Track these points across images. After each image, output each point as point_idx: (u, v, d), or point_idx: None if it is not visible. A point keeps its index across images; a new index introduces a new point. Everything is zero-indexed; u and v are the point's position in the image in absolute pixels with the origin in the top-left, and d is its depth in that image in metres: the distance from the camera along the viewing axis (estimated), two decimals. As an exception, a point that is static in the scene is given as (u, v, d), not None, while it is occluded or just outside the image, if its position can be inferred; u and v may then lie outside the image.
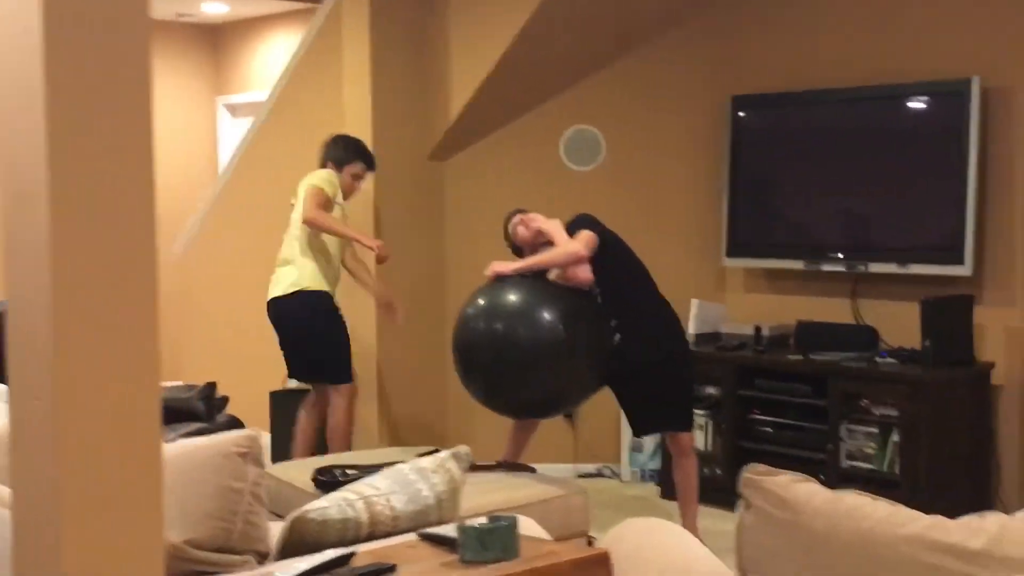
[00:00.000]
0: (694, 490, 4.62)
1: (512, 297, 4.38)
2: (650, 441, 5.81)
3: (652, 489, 5.75)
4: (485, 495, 3.77)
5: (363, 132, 5.88)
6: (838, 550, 1.88)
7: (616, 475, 6.03)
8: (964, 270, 4.97)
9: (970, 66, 5.01)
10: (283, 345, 5.36)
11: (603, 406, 4.90)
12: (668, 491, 5.60)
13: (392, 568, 2.10)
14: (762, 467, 1.99)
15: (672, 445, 4.71)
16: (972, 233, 4.95)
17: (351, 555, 2.17)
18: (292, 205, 5.40)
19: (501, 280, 4.48)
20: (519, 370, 4.31)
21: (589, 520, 4.08)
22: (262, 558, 2.42)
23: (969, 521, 1.96)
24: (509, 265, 4.50)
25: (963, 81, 4.95)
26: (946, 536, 1.90)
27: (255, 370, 6.84)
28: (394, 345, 5.98)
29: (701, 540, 4.08)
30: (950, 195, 5.01)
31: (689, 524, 4.53)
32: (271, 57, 8.71)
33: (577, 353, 4.36)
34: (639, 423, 4.70)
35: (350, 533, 2.40)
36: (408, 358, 6.05)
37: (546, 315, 4.32)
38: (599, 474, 6.08)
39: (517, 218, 4.70)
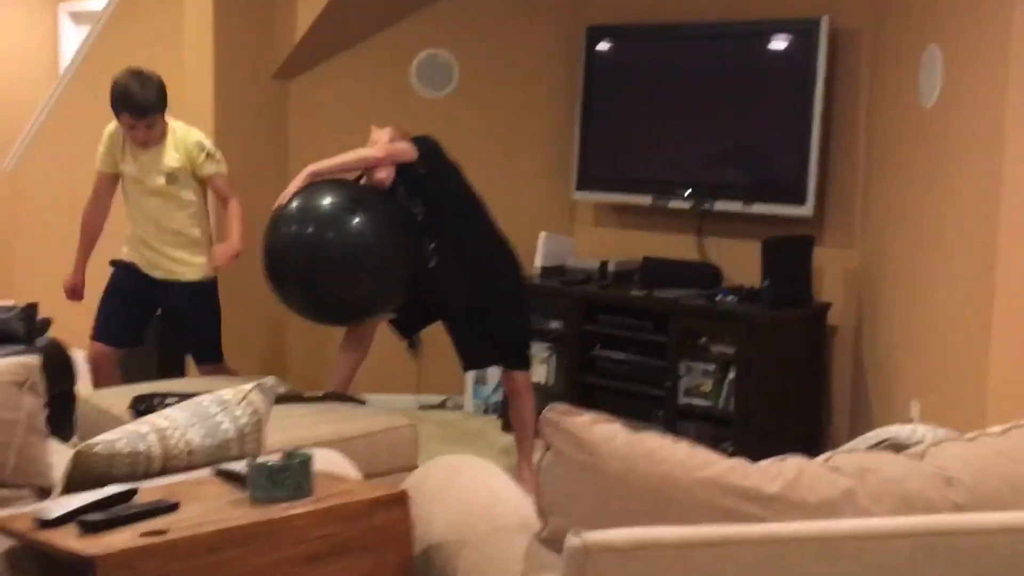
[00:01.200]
0: (529, 428, 4.58)
1: (321, 201, 4.33)
2: (494, 373, 5.76)
3: (495, 422, 5.72)
4: (307, 428, 3.66)
5: (204, 47, 5.63)
6: (634, 492, 1.83)
7: (459, 407, 5.98)
8: (806, 211, 5.00)
9: (820, 6, 5.01)
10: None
11: (446, 337, 4.81)
12: (510, 425, 5.58)
13: (174, 506, 1.98)
14: (563, 407, 1.92)
15: (506, 383, 4.67)
16: (815, 175, 4.98)
17: (133, 491, 2.04)
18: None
19: (313, 186, 4.41)
20: (322, 272, 4.27)
21: (418, 454, 4.00)
22: (44, 493, 2.28)
23: (769, 465, 1.93)
24: (311, 167, 4.43)
25: (812, 20, 4.95)
26: (743, 480, 1.86)
27: (89, 289, 6.57)
28: (232, 274, 5.78)
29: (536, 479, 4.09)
30: (795, 136, 5.03)
31: (524, 462, 4.51)
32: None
33: (381, 260, 4.32)
34: (465, 357, 4.63)
35: (140, 468, 2.27)
36: (248, 285, 5.86)
37: (354, 219, 4.29)
38: (442, 406, 6.03)
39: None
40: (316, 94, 5.94)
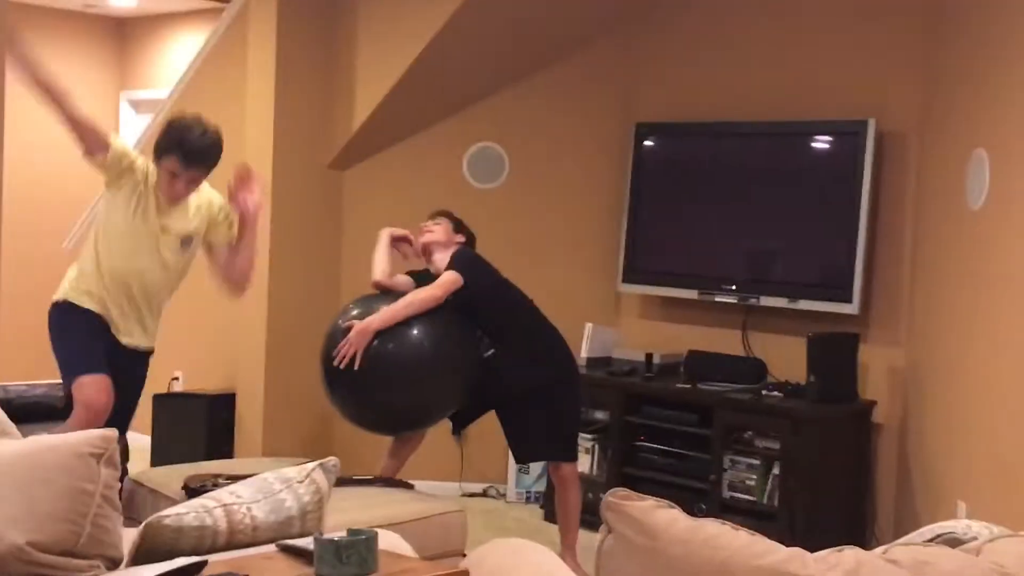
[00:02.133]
0: (575, 519, 4.60)
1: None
2: (536, 464, 5.79)
3: (536, 511, 5.73)
4: (361, 511, 3.71)
5: (264, 136, 5.80)
6: (694, 578, 1.87)
7: (502, 496, 6.00)
8: (852, 308, 5.05)
9: (867, 108, 5.11)
10: None
11: (491, 425, 4.86)
12: (551, 514, 5.58)
13: (244, 579, 2.04)
14: (624, 491, 1.96)
15: (553, 473, 4.69)
16: (861, 272, 5.03)
17: (203, 563, 2.10)
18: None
19: (376, 294, 4.57)
20: (380, 382, 4.32)
21: (466, 540, 4.04)
22: (113, 564, 2.33)
23: (827, 555, 1.96)
24: (370, 323, 4.34)
25: (859, 122, 5.05)
26: (802, 569, 1.89)
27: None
28: (284, 358, 5.88)
29: (580, 567, 4.10)
30: (842, 234, 5.09)
31: (569, 552, 4.52)
32: (177, 54, 8.56)
33: (440, 368, 4.43)
34: (518, 451, 4.70)
35: (207, 541, 2.32)
36: (298, 372, 5.95)
37: (412, 331, 4.37)
38: (484, 494, 6.04)
39: (427, 224, 4.77)
40: (370, 184, 6.08)
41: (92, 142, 4.14)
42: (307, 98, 5.89)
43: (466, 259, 4.59)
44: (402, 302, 4.41)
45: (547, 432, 4.58)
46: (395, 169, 6.08)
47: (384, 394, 4.36)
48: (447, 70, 5.80)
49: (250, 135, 5.89)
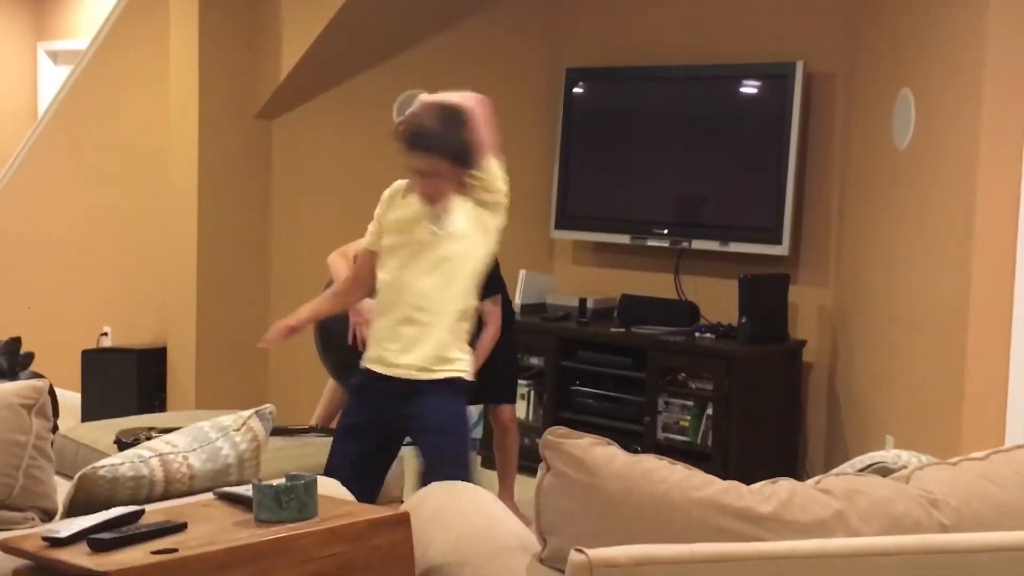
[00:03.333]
0: (513, 462, 4.64)
1: None
2: (474, 410, 5.79)
3: (474, 459, 5.74)
4: (299, 459, 3.69)
5: (189, 86, 5.69)
6: (633, 512, 1.89)
7: (438, 443, 6.00)
8: (782, 250, 5.11)
9: (795, 51, 5.14)
10: None
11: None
12: (489, 461, 5.62)
13: (182, 526, 2.02)
14: (563, 430, 1.98)
15: (492, 417, 4.72)
16: (790, 214, 5.09)
17: (140, 512, 2.08)
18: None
19: None
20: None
21: (404, 487, 4.04)
22: (48, 516, 2.31)
23: (762, 487, 1.99)
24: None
25: (788, 64, 5.08)
26: (738, 500, 1.92)
27: (67, 327, 6.58)
28: (215, 310, 5.82)
29: (518, 510, 4.13)
30: (771, 176, 5.14)
31: (506, 495, 4.56)
32: (96, 2, 8.35)
33: None
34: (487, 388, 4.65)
35: (143, 491, 2.31)
36: (230, 324, 5.89)
37: None
38: (421, 442, 6.05)
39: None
40: (299, 133, 6.00)
41: None
42: (232, 47, 5.78)
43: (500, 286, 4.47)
44: (486, 341, 4.30)
45: (486, 374, 4.58)
46: (324, 118, 6.01)
47: None
48: (375, 17, 5.72)
49: (174, 85, 5.78)
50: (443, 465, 3.15)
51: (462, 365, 3.32)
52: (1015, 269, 3.66)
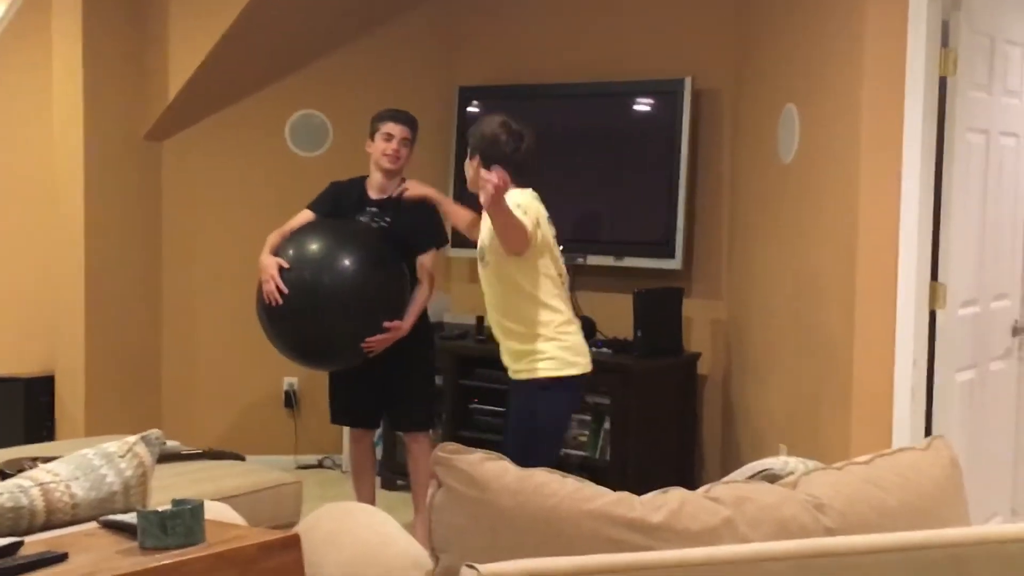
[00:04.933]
0: (425, 489, 4.56)
1: (315, 246, 4.34)
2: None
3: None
4: (190, 486, 3.62)
5: (73, 107, 5.57)
6: (524, 526, 1.89)
7: (338, 466, 5.95)
8: (675, 263, 5.17)
9: (683, 67, 5.22)
10: None
11: (325, 395, 4.82)
12: (389, 482, 5.58)
13: (63, 557, 1.96)
14: (453, 445, 1.97)
15: (412, 443, 4.61)
16: (682, 228, 5.16)
17: (19, 544, 2.02)
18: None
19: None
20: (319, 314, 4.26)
21: (301, 512, 3.99)
22: (-78, 552, 2.22)
23: (653, 497, 2.01)
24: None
25: (676, 81, 5.16)
26: (629, 511, 1.93)
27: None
28: (105, 334, 5.69)
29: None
30: (663, 191, 5.21)
31: (420, 518, 4.49)
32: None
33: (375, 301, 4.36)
34: (402, 413, 4.59)
35: (23, 522, 2.24)
36: (121, 348, 5.77)
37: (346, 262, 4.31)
38: (320, 465, 5.99)
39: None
40: (190, 154, 5.92)
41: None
42: (118, 66, 5.67)
43: None
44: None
45: (425, 394, 4.58)
46: (215, 139, 5.93)
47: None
48: (265, 36, 5.67)
49: (58, 107, 5.65)
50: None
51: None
52: (897, 278, 3.76)
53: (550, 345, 3.69)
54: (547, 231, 3.77)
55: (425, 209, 4.48)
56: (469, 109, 5.79)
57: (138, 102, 5.74)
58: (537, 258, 3.70)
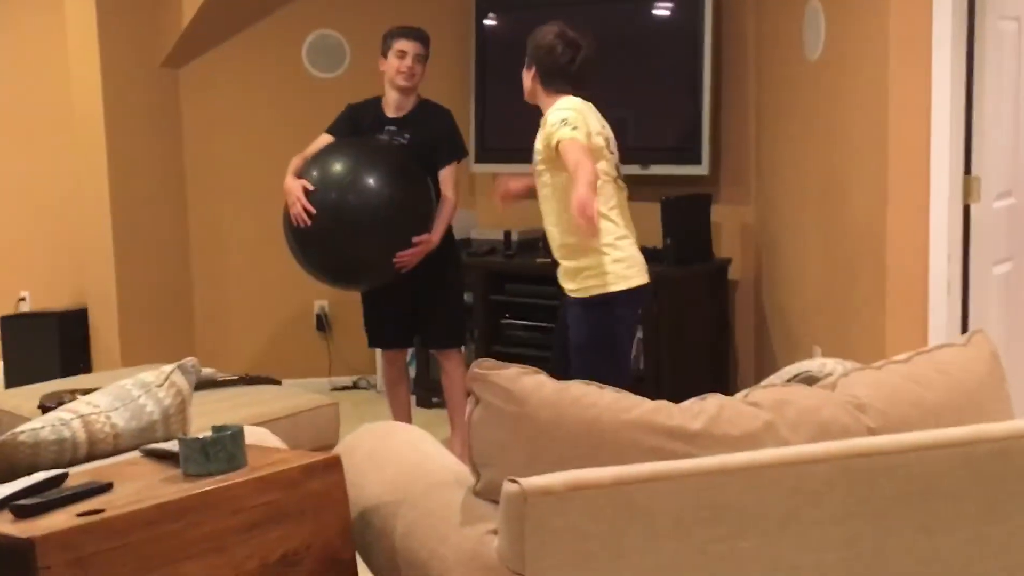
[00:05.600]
0: (460, 408, 4.59)
1: (338, 166, 4.33)
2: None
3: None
4: (228, 412, 3.65)
5: (88, 39, 5.53)
6: (564, 438, 1.89)
7: (372, 386, 5.99)
8: (702, 169, 5.11)
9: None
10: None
11: (356, 316, 4.83)
12: (424, 400, 5.61)
13: (108, 486, 1.98)
14: (490, 361, 1.96)
15: (446, 360, 4.64)
16: (708, 133, 5.09)
17: (64, 476, 2.03)
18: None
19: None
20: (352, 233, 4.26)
21: (339, 434, 4.02)
22: (-31, 487, 2.24)
23: (691, 404, 2.00)
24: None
25: (697, -17, 5.05)
26: (668, 419, 1.93)
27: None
28: (134, 265, 5.71)
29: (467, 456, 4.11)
30: (687, 96, 5.13)
31: (458, 436, 4.53)
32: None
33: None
34: (445, 334, 4.61)
35: (67, 454, 2.26)
36: (150, 277, 5.79)
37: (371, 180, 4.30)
38: (355, 386, 6.03)
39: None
40: (207, 80, 5.87)
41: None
42: (131, -4, 5.62)
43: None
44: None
45: (455, 311, 4.59)
46: (232, 64, 5.88)
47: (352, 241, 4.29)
48: (277, -44, 5.59)
49: (72, 40, 5.61)
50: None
51: None
52: (929, 174, 3.70)
53: (604, 260, 3.66)
54: (598, 142, 3.67)
55: (444, 122, 4.46)
56: (486, 21, 5.70)
57: (153, 30, 5.69)
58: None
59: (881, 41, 3.73)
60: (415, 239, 4.34)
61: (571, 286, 3.76)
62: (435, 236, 4.40)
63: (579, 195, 3.35)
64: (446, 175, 4.48)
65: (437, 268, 4.46)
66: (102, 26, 5.50)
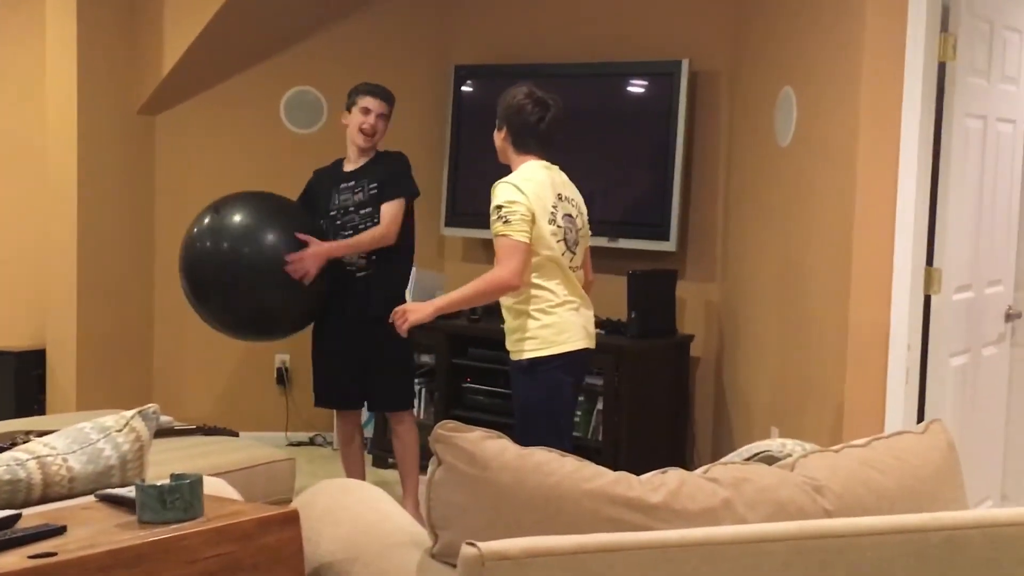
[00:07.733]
0: (412, 468, 4.58)
1: (238, 218, 4.45)
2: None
3: (366, 457, 5.69)
4: (185, 461, 3.62)
5: (67, 81, 5.54)
6: (524, 504, 1.89)
7: (328, 443, 5.95)
8: (669, 245, 5.17)
9: (680, 49, 5.21)
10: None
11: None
12: (380, 460, 5.59)
13: (62, 530, 1.96)
14: (453, 423, 1.97)
15: (395, 420, 4.65)
16: (677, 210, 5.16)
17: (17, 516, 2.01)
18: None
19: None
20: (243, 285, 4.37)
21: (294, 488, 4.00)
22: (-82, 524, 2.21)
23: (652, 477, 2.01)
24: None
25: (674, 63, 5.14)
26: (628, 491, 1.94)
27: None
28: (97, 309, 5.68)
29: (419, 513, 4.09)
30: (659, 173, 5.20)
31: (410, 501, 4.51)
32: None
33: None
34: (381, 398, 4.63)
35: (20, 495, 2.23)
36: (112, 323, 5.76)
37: (270, 236, 4.40)
38: (311, 442, 5.99)
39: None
40: (184, 129, 5.89)
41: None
42: (113, 40, 5.64)
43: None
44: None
45: (402, 373, 4.58)
46: (210, 114, 5.90)
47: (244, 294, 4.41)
48: (260, 11, 5.64)
49: (52, 81, 5.62)
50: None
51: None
52: (893, 262, 3.76)
53: (534, 324, 3.67)
54: (542, 223, 3.64)
55: (394, 163, 4.53)
56: (464, 88, 5.77)
57: (132, 77, 5.71)
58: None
59: (851, 130, 3.81)
60: (298, 235, 4.37)
61: (508, 347, 3.79)
62: (329, 245, 4.40)
63: (433, 304, 3.75)
64: (385, 209, 4.48)
65: (383, 331, 4.46)
66: (82, 68, 5.52)
